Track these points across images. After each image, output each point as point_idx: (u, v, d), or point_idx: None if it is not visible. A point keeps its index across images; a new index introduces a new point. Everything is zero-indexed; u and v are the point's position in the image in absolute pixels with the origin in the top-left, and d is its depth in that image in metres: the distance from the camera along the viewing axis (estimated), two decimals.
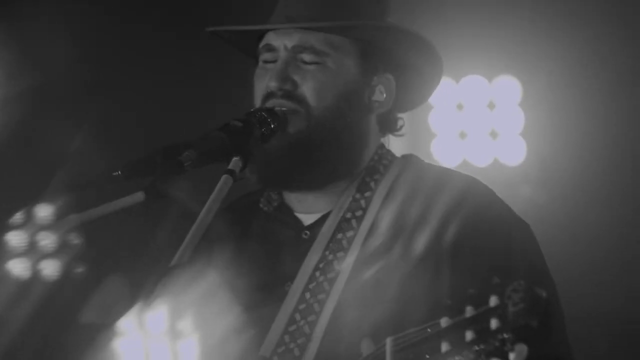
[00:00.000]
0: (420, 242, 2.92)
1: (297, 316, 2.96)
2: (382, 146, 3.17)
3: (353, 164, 3.09)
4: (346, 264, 2.98)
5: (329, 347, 2.91)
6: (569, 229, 5.47)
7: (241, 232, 3.17)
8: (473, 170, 5.73)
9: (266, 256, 3.09)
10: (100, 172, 2.75)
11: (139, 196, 2.73)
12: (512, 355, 2.24)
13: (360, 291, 2.93)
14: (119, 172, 2.73)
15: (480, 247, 2.92)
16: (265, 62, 3.08)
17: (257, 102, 3.06)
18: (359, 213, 3.05)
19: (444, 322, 2.33)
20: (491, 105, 5.92)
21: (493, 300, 2.26)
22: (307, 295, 2.98)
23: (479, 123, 5.92)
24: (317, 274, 2.99)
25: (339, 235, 3.03)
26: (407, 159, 3.19)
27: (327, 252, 3.02)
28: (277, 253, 3.08)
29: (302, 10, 3.06)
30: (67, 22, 5.09)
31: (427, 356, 2.35)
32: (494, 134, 5.90)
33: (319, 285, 2.98)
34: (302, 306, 2.97)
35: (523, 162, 5.81)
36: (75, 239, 2.67)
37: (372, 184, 3.09)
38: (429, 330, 2.35)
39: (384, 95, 3.12)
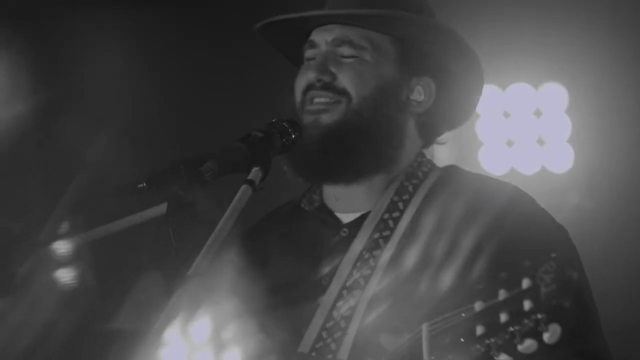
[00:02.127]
0: (454, 245, 2.96)
1: (335, 313, 3.02)
2: (422, 154, 3.22)
3: (387, 160, 3.15)
4: (381, 261, 3.04)
5: (363, 339, 2.95)
6: (617, 236, 5.41)
7: (281, 232, 3.25)
8: (520, 178, 5.72)
9: (304, 252, 3.16)
10: (124, 184, 2.77)
11: (162, 208, 2.76)
12: (546, 335, 2.29)
13: (393, 287, 2.98)
14: (144, 184, 2.75)
15: (515, 242, 2.93)
16: (308, 59, 3.18)
17: (298, 97, 3.15)
18: (396, 214, 3.10)
19: (478, 305, 2.39)
20: (538, 113, 5.88)
21: (525, 283, 2.31)
22: (345, 292, 3.03)
23: (525, 131, 5.89)
24: (354, 272, 3.05)
25: (376, 235, 3.08)
26: (447, 168, 3.24)
27: (364, 251, 3.07)
28: (315, 249, 3.14)
29: (342, 4, 3.15)
30: (99, 28, 5.15)
31: (462, 339, 2.41)
32: (541, 142, 5.86)
33: (355, 282, 3.03)
34: (339, 303, 3.02)
35: (570, 170, 5.77)
36: (95, 251, 2.71)
37: (411, 188, 3.14)
38: (463, 314, 2.42)
39: (422, 96, 3.17)
